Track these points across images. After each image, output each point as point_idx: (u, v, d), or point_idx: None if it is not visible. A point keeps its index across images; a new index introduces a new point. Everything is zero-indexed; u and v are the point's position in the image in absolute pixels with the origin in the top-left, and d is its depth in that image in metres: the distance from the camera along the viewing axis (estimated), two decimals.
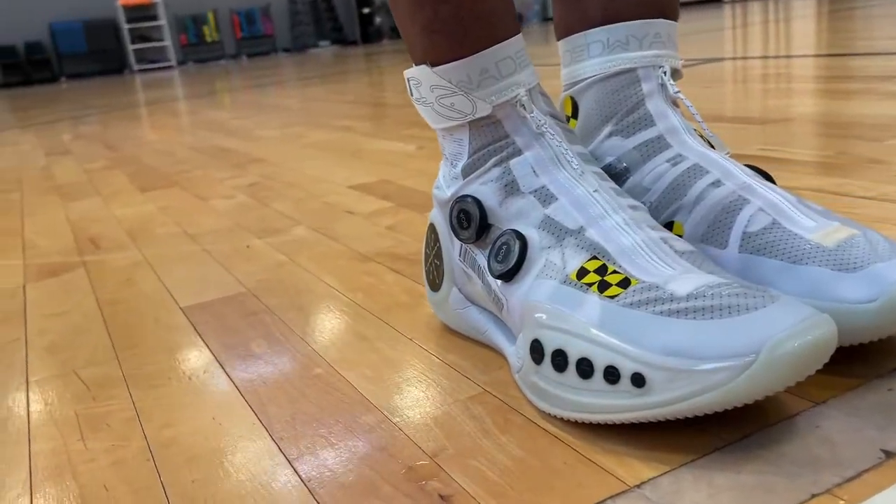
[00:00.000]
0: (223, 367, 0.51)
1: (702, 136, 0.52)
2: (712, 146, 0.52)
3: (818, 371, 0.35)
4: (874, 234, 0.42)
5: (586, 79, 0.52)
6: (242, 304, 0.63)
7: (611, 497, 0.33)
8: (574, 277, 0.40)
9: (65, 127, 2.68)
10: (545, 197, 0.44)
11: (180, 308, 0.64)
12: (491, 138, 0.46)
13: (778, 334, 0.33)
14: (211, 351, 0.54)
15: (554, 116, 0.47)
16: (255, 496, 0.36)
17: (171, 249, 0.84)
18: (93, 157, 1.72)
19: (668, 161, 0.49)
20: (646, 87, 0.51)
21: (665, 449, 0.36)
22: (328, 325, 0.57)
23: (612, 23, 0.51)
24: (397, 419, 0.42)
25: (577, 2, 0.52)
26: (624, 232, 0.41)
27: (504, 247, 0.44)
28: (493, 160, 0.46)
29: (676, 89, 0.51)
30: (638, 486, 0.34)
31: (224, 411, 0.45)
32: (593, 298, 0.39)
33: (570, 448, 0.37)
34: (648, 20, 0.51)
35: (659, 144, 0.49)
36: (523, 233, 0.44)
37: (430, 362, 0.48)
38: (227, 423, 0.44)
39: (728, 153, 0.51)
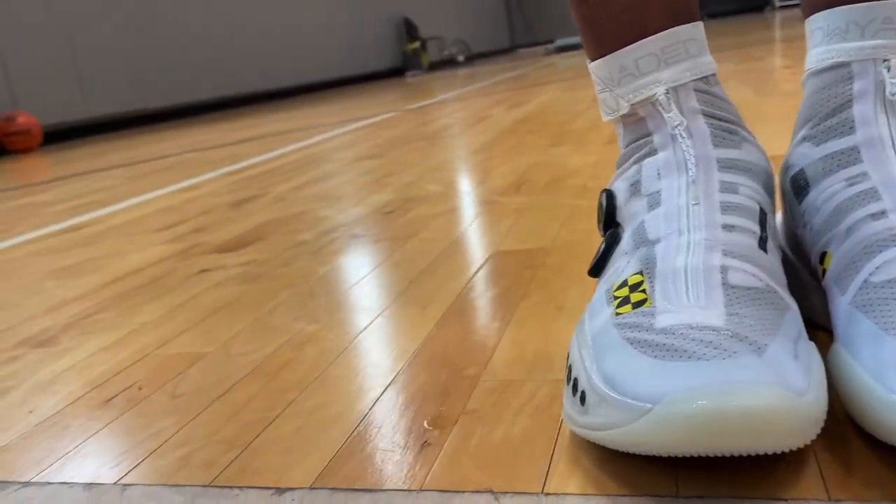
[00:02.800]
0: (449, 305, 0.63)
1: None
2: None
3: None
4: None
5: (808, 70, 0.46)
6: (531, 258, 0.72)
7: (515, 492, 0.36)
8: (615, 288, 0.40)
9: None
10: (654, 202, 0.43)
11: (494, 252, 0.77)
12: (637, 135, 0.46)
13: (682, 390, 0.30)
14: (462, 290, 0.66)
15: (711, 116, 0.44)
16: (333, 392, 0.48)
17: (549, 199, 0.95)
18: None
19: (846, 179, 0.41)
20: (858, 85, 0.42)
21: (618, 475, 0.36)
22: (555, 289, 0.62)
23: (834, 6, 0.43)
24: (484, 378, 0.48)
25: None
26: (685, 253, 0.39)
27: (602, 244, 0.45)
28: (633, 157, 0.46)
29: None
30: (545, 494, 0.35)
31: (398, 333, 0.57)
32: (607, 312, 0.39)
33: (552, 445, 0.39)
34: (879, 2, 0.41)
35: (847, 158, 0.41)
36: (621, 235, 0.44)
37: (567, 343, 0.51)
38: (388, 345, 0.56)
39: None
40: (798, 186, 0.44)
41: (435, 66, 8.52)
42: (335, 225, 1.02)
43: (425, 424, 0.43)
